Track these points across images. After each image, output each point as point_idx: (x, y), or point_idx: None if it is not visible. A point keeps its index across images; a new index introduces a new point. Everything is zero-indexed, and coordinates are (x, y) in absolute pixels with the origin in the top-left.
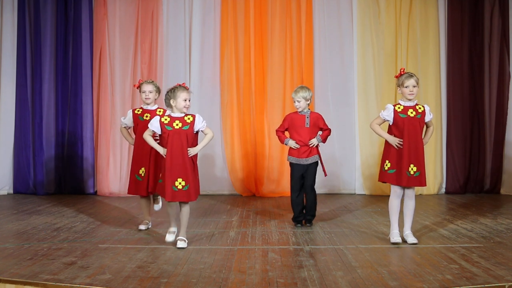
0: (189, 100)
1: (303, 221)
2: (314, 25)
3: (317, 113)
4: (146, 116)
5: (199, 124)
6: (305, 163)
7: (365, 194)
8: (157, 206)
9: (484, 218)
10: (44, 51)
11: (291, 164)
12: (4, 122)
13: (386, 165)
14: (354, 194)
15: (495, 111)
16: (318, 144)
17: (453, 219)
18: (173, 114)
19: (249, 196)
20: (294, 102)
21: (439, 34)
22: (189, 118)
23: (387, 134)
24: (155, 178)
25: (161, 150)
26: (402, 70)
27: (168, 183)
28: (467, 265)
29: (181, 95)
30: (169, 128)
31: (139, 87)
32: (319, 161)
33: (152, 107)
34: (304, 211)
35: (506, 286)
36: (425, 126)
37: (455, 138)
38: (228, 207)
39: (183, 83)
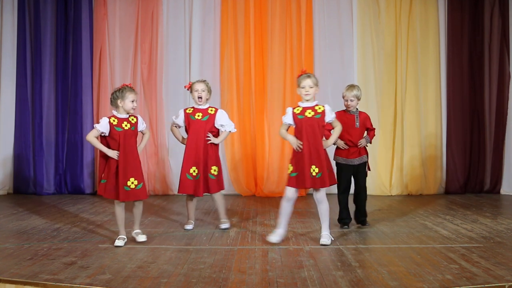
0: (136, 101)
1: (346, 224)
2: (314, 25)
3: (365, 112)
4: (198, 115)
5: (142, 125)
6: (355, 163)
7: None
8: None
9: (484, 218)
10: (44, 51)
11: (339, 165)
12: (4, 122)
13: (289, 168)
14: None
15: (495, 111)
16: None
17: (453, 219)
18: (119, 115)
19: (249, 196)
20: (346, 101)
21: (439, 34)
22: (133, 119)
23: (290, 136)
24: (205, 178)
25: (112, 153)
26: (303, 71)
27: (120, 184)
28: (467, 265)
29: (129, 96)
30: (119, 129)
31: (190, 87)
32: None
33: (204, 106)
34: (348, 214)
35: (506, 286)
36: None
37: (455, 138)
38: (228, 207)
39: (129, 84)
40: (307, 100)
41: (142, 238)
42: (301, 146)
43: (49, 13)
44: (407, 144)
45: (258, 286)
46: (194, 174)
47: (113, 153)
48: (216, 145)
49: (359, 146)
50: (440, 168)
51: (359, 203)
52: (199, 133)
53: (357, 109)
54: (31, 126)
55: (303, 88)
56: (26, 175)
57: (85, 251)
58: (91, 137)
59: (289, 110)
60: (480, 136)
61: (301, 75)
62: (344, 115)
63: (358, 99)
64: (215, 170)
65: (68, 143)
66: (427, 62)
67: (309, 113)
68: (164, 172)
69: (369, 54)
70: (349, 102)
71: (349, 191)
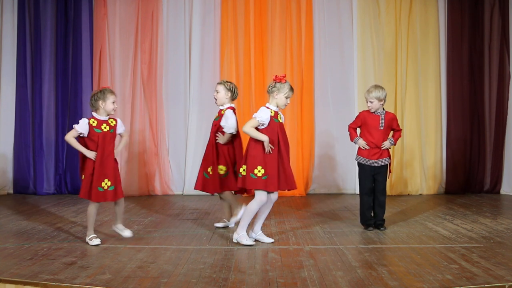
0: (116, 103)
1: (373, 227)
2: (314, 25)
3: (392, 113)
4: (216, 116)
5: (121, 128)
6: (375, 164)
7: None
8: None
9: (484, 218)
10: (44, 51)
11: (360, 165)
12: (4, 122)
13: (260, 171)
14: (354, 194)
15: (495, 111)
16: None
17: (453, 219)
18: (99, 117)
19: (249, 196)
20: (367, 102)
21: (439, 34)
22: (112, 122)
23: (266, 136)
24: (235, 176)
25: (90, 153)
26: (284, 76)
27: (94, 184)
28: (467, 265)
29: (111, 97)
30: (99, 131)
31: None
32: (388, 164)
33: (223, 106)
34: (372, 215)
35: (506, 286)
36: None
37: (455, 138)
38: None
39: (108, 86)
40: (281, 109)
41: (127, 233)
42: (270, 150)
43: (49, 13)
44: (407, 144)
45: (258, 286)
46: (211, 173)
47: (91, 154)
48: (225, 145)
49: (382, 148)
50: (440, 168)
51: (375, 207)
52: (211, 133)
53: (383, 109)
54: (31, 126)
55: (287, 98)
56: (26, 175)
57: (85, 251)
58: (70, 137)
59: (268, 111)
60: (480, 136)
61: (286, 82)
62: (368, 116)
63: (380, 100)
64: (221, 170)
65: (68, 143)
66: (427, 62)
67: (280, 117)
68: (164, 172)
69: (369, 54)
70: (369, 104)
71: (372, 192)
